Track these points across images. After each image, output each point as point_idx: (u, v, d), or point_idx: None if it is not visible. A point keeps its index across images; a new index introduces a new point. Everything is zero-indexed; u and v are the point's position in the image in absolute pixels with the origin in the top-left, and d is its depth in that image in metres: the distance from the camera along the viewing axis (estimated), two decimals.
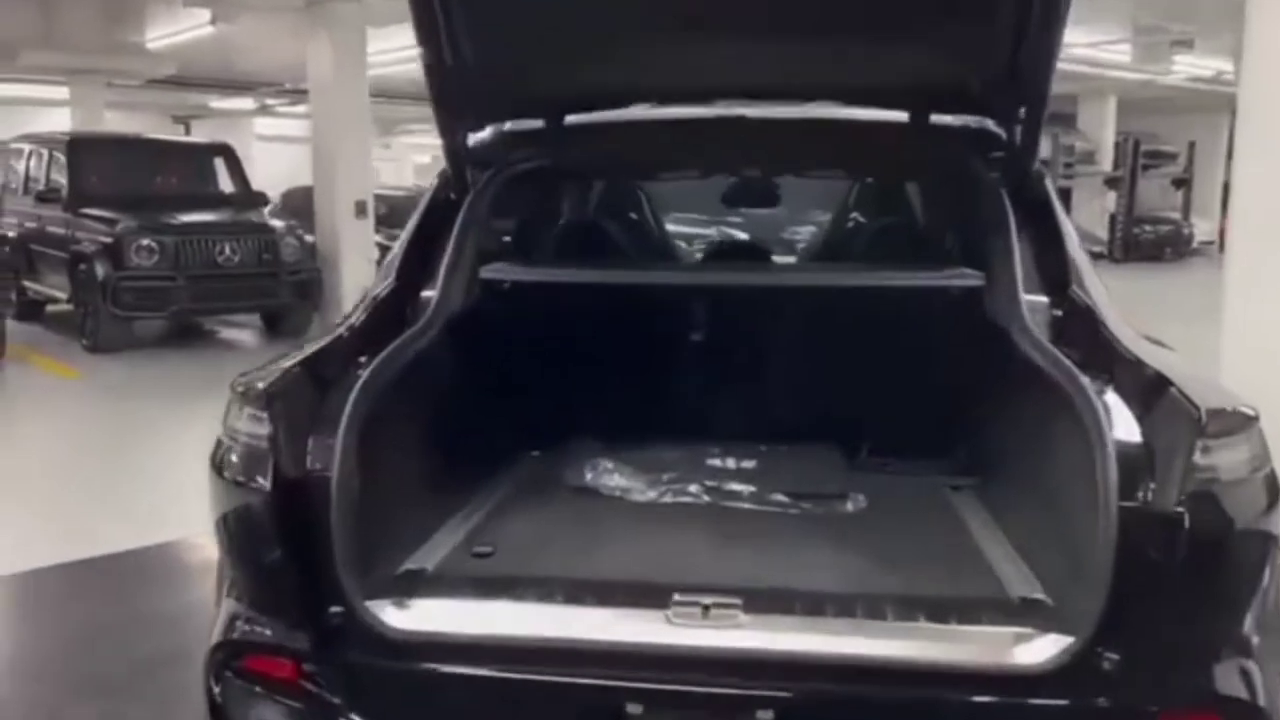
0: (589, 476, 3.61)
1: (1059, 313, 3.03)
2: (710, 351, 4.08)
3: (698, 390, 4.16)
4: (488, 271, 3.23)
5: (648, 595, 2.63)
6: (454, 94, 3.37)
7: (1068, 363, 2.72)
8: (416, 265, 3.24)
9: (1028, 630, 2.43)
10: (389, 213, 13.67)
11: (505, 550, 3.04)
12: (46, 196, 11.76)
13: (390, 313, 3.08)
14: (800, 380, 4.11)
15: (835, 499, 3.49)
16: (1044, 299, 3.09)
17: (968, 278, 3.30)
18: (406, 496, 2.99)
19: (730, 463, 3.84)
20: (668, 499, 3.52)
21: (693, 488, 3.54)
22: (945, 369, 3.82)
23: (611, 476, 3.60)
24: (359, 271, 11.77)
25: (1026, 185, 3.40)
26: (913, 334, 3.87)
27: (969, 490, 3.69)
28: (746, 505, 3.47)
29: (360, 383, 2.69)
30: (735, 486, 3.54)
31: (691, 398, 4.16)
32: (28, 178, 12.52)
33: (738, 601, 2.51)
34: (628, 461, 3.71)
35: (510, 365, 3.88)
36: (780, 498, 3.48)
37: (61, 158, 11.96)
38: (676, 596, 2.58)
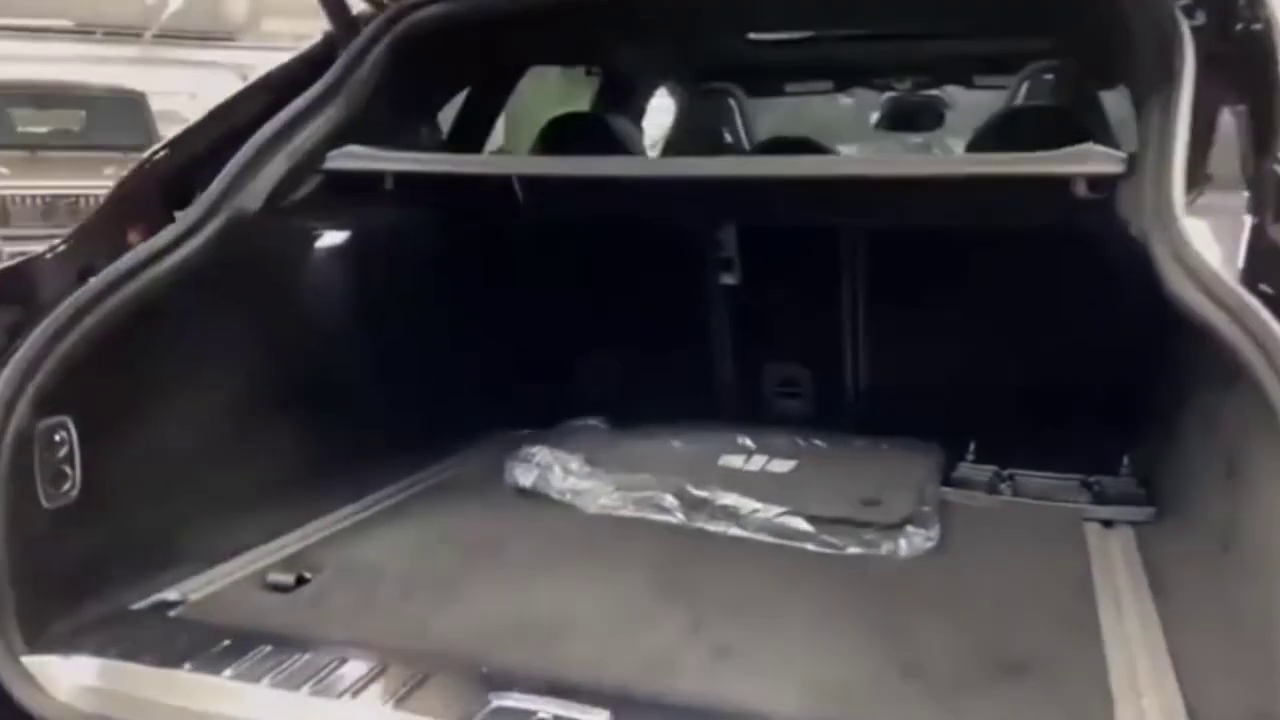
0: (535, 474, 2.52)
1: (1254, 223, 1.59)
2: (745, 296, 2.86)
3: (728, 355, 2.96)
4: (337, 158, 2.17)
5: (449, 691, 1.55)
6: None
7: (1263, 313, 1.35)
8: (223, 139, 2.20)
9: None
10: None
11: (330, 580, 2.02)
12: None
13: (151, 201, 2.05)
14: (878, 341, 2.81)
15: (882, 532, 2.20)
16: (1232, 199, 1.65)
17: (1097, 159, 1.85)
18: (186, 486, 2.02)
19: (755, 462, 2.62)
20: (627, 512, 2.37)
21: (667, 499, 2.36)
22: (1096, 323, 2.42)
23: (563, 475, 2.48)
24: None
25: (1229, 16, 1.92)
26: (1032, 265, 2.48)
27: (1124, 530, 2.29)
28: (735, 532, 2.26)
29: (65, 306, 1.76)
30: (732, 500, 2.32)
31: (718, 366, 2.96)
32: None
33: None
34: (614, 452, 2.59)
35: (463, 303, 2.84)
36: (796, 523, 2.24)
37: None
38: (494, 701, 1.50)
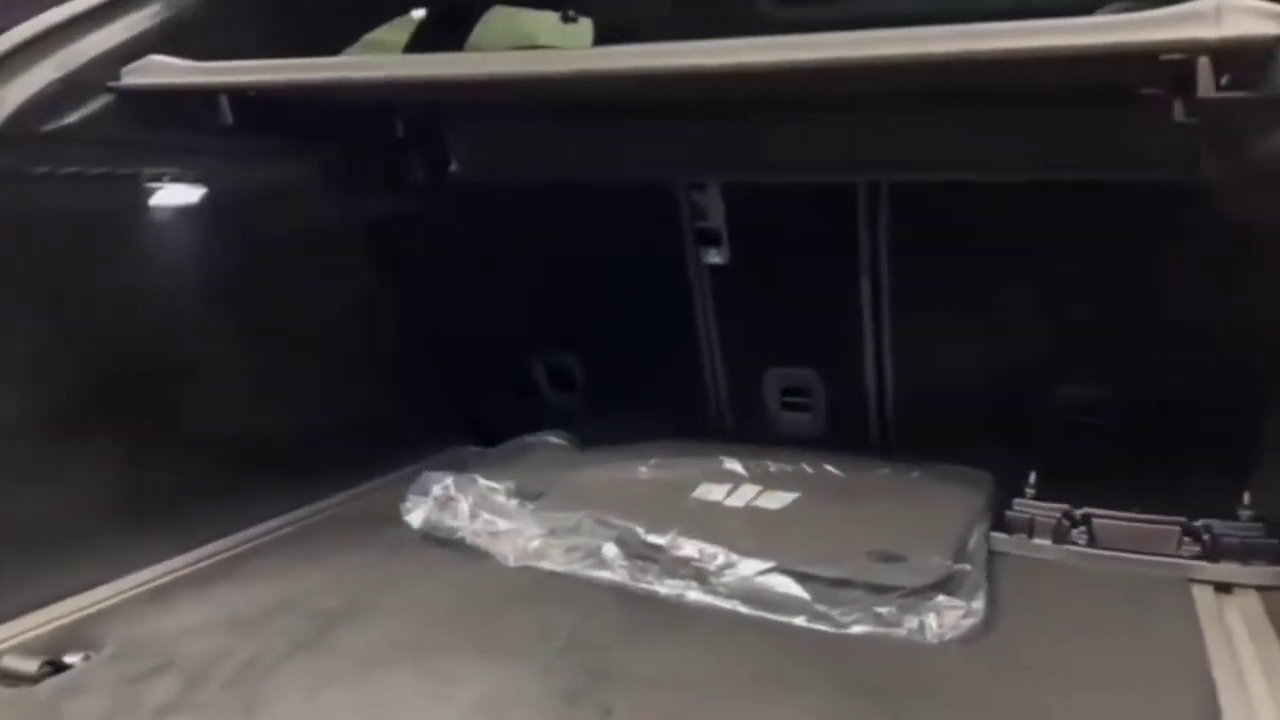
0: (431, 510, 1.89)
1: None
2: (737, 279, 2.21)
3: (718, 356, 2.31)
4: (135, 72, 1.55)
5: None
6: None
7: None
8: None
9: None
10: None
11: (96, 668, 1.42)
12: None
13: None
14: (909, 338, 2.15)
15: (904, 603, 1.54)
16: None
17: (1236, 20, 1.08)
18: None
19: (741, 495, 1.98)
20: (555, 564, 1.74)
21: (607, 549, 1.72)
22: (1204, 311, 1.76)
23: (471, 514, 1.86)
24: None
25: None
26: (1114, 232, 1.82)
27: (1248, 597, 1.62)
28: (696, 597, 1.61)
29: None
30: (696, 550, 1.67)
31: (706, 370, 2.32)
32: None
33: None
34: (557, 480, 1.98)
35: (369, 285, 2.24)
36: (782, 586, 1.59)
37: None
38: None
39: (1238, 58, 1.09)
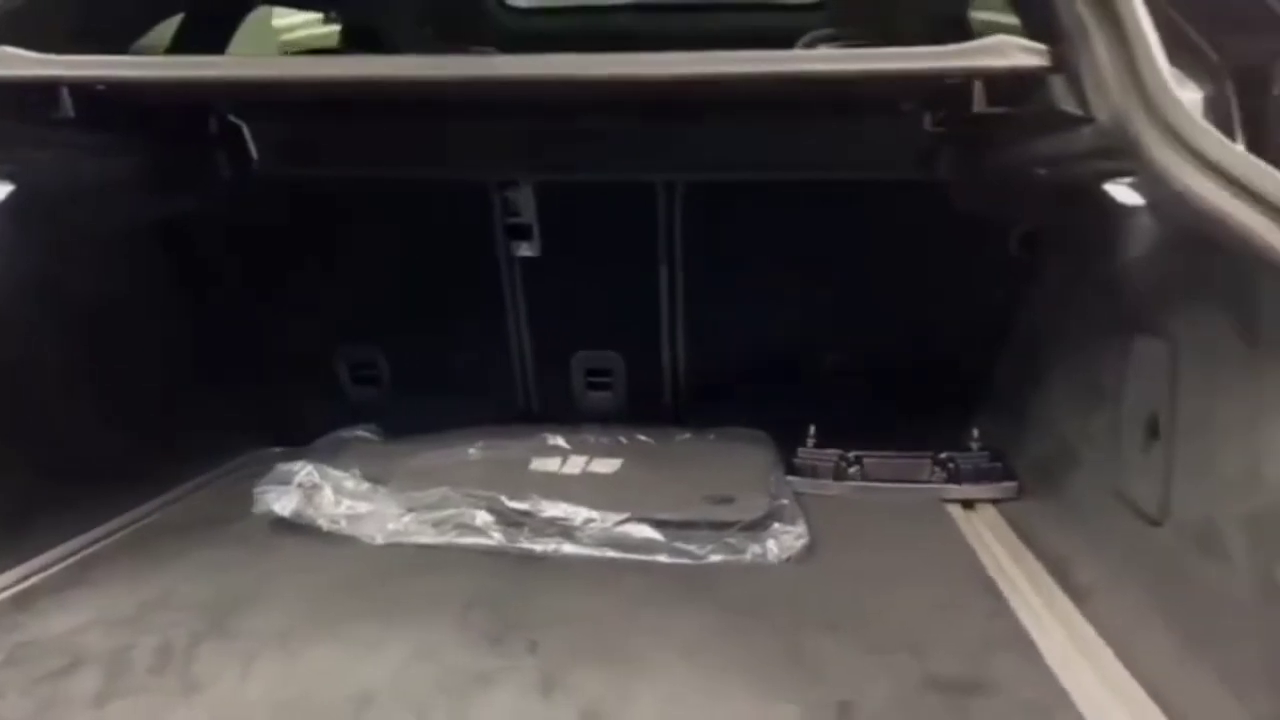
0: (296, 498, 1.93)
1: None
2: (547, 271, 2.41)
3: (528, 344, 2.50)
4: None
5: None
6: None
7: None
8: None
9: None
10: None
11: None
12: None
13: None
14: (700, 319, 2.45)
15: (745, 533, 1.83)
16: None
17: (1016, 52, 1.44)
18: None
19: (573, 465, 2.18)
20: (425, 538, 1.85)
21: (479, 516, 1.87)
22: (935, 284, 2.20)
23: (334, 498, 1.92)
24: None
25: None
26: (866, 222, 2.23)
27: (988, 510, 2.06)
28: (570, 550, 1.81)
29: None
30: (560, 511, 1.86)
31: (515, 358, 2.50)
32: None
33: None
34: (397, 466, 2.06)
35: (179, 286, 2.21)
36: (642, 531, 1.83)
37: None
38: None
39: (1009, 82, 1.47)
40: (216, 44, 2.53)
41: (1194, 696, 1.27)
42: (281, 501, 1.88)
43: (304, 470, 1.92)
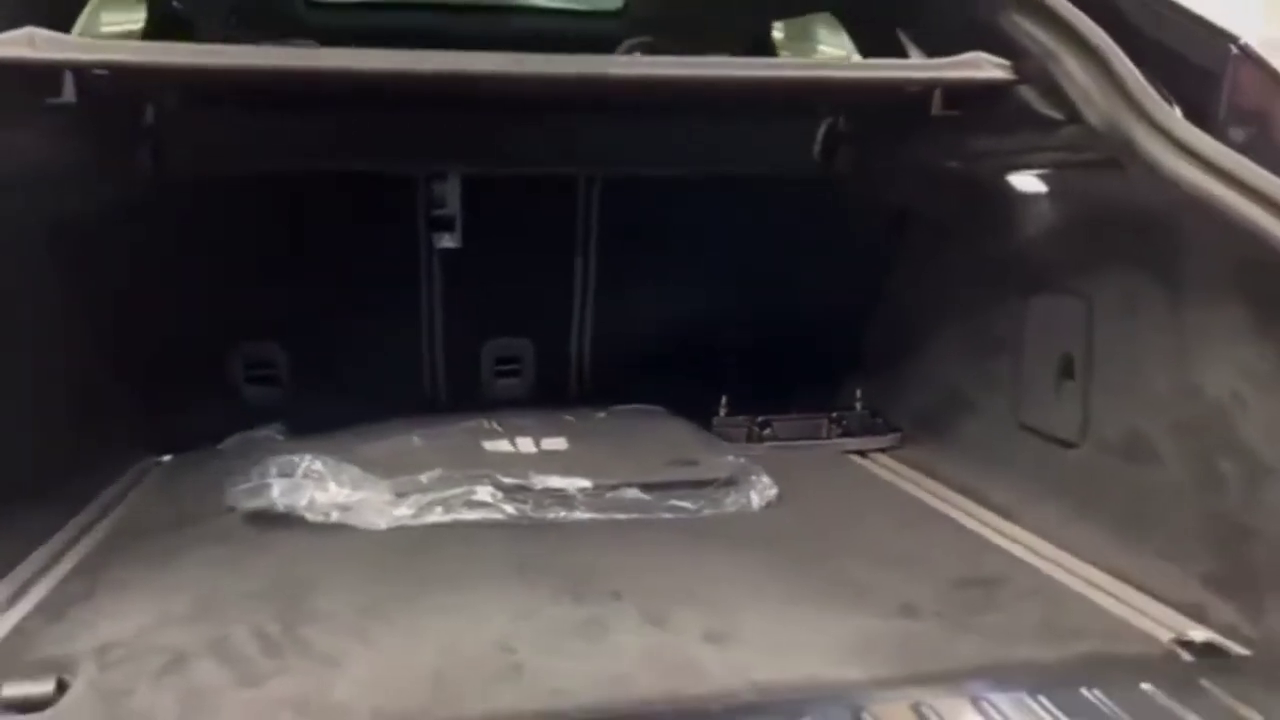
0: (276, 490, 1.89)
1: None
2: (466, 261, 2.47)
3: (439, 335, 2.55)
4: None
5: None
6: None
7: None
8: None
9: None
10: None
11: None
12: None
13: None
14: (608, 305, 2.62)
15: (724, 489, 2.04)
16: None
17: (988, 66, 1.74)
18: None
19: (524, 445, 2.27)
20: (435, 518, 1.89)
21: (483, 491, 1.93)
22: (818, 265, 2.50)
23: (321, 483, 1.90)
24: None
25: None
26: (762, 212, 2.50)
27: (881, 457, 2.43)
28: (581, 515, 1.93)
29: None
30: (555, 482, 1.98)
31: (426, 349, 2.54)
32: None
33: None
34: (352, 457, 2.04)
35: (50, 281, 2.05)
36: (636, 495, 1.98)
37: None
38: None
39: (975, 91, 1.79)
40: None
41: (1142, 567, 1.64)
42: (285, 494, 1.84)
43: (303, 463, 1.88)
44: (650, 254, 2.56)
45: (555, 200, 2.47)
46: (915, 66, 1.83)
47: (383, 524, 1.88)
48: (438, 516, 1.89)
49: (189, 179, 2.19)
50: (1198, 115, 1.49)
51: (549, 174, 2.43)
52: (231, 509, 1.90)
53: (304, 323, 2.46)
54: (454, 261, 2.46)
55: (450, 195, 2.39)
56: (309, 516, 1.88)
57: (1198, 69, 1.50)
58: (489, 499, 1.91)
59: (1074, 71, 1.58)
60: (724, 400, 2.55)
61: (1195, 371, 1.58)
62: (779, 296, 2.61)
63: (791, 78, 1.84)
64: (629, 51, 4.08)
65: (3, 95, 1.51)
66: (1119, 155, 1.51)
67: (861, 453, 2.50)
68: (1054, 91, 1.62)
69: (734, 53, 3.78)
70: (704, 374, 2.61)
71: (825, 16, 2.73)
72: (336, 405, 2.44)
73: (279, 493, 1.87)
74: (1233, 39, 1.46)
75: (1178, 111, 1.47)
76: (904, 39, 2.50)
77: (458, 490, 1.92)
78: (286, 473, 1.87)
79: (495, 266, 2.48)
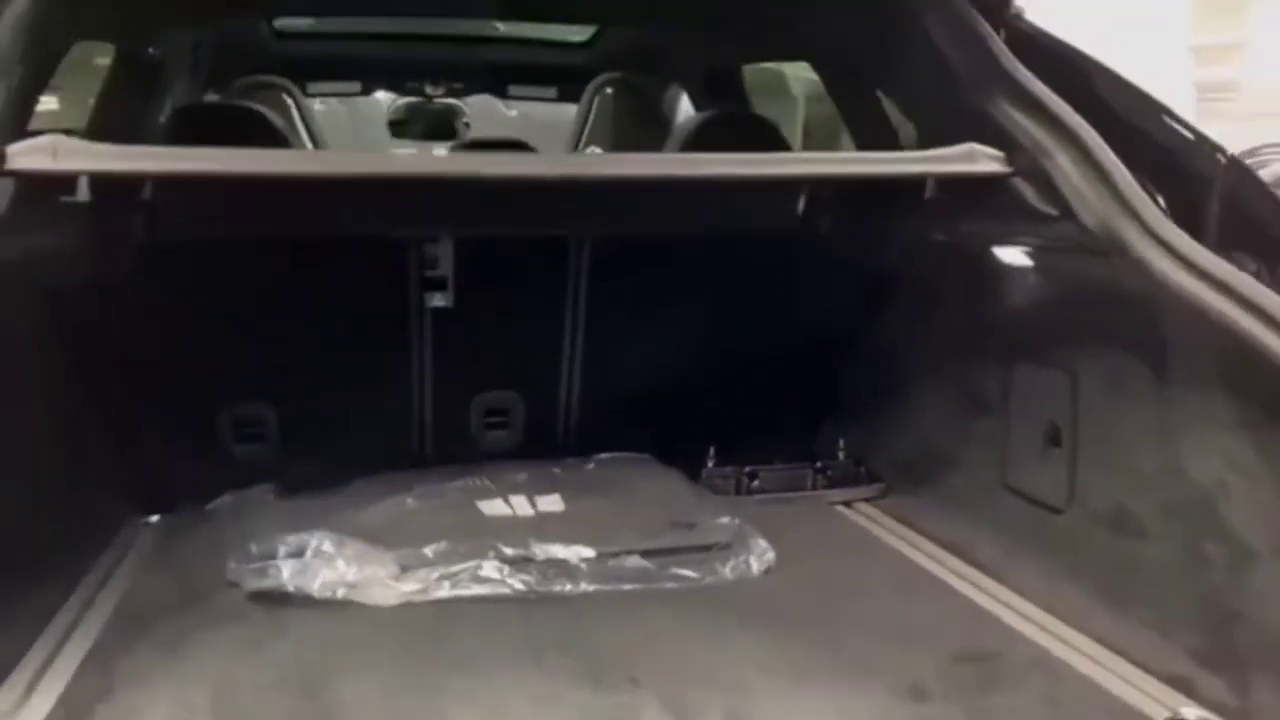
0: (286, 572, 1.89)
1: None
2: (458, 320, 2.48)
3: (429, 390, 2.56)
4: None
5: None
6: None
7: None
8: None
9: None
10: None
11: None
12: None
13: None
14: (596, 358, 2.65)
15: (722, 553, 2.09)
16: None
17: (985, 159, 1.83)
18: None
19: (520, 505, 2.30)
20: (444, 593, 1.91)
21: (489, 566, 1.95)
22: (804, 319, 2.57)
23: (330, 563, 1.91)
24: None
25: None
26: (746, 270, 2.54)
27: (865, 508, 2.49)
28: (586, 587, 1.96)
29: None
30: (558, 552, 2.01)
31: (416, 404, 2.55)
32: None
33: None
34: (349, 526, 2.05)
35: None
36: (637, 564, 2.02)
37: None
38: None
39: (969, 181, 1.86)
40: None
41: (1130, 636, 1.72)
42: (294, 574, 1.84)
43: (310, 540, 1.89)
44: (637, 308, 2.59)
45: (545, 258, 2.49)
46: (910, 160, 1.89)
47: (391, 601, 1.89)
48: (445, 592, 1.91)
49: (181, 244, 2.18)
50: (1184, 217, 1.57)
51: (540, 235, 2.45)
52: (235, 585, 1.90)
53: (293, 382, 2.45)
54: (445, 319, 2.47)
55: (443, 257, 2.40)
56: (317, 594, 1.89)
57: (1186, 172, 1.58)
58: (495, 574, 1.93)
59: (1068, 169, 1.65)
60: (711, 451, 2.60)
61: (1181, 455, 1.66)
62: (763, 348, 2.65)
63: (782, 175, 1.88)
64: (601, 87, 4.12)
65: (24, 199, 1.50)
66: (1110, 252, 1.59)
67: (847, 503, 2.56)
68: (1048, 188, 1.69)
69: (699, 87, 3.85)
70: (690, 424, 2.65)
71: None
72: (325, 462, 2.44)
73: (289, 575, 1.88)
74: (1220, 149, 1.54)
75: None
76: (882, 97, 2.58)
77: (463, 565, 1.94)
78: (296, 553, 1.87)
79: (485, 323, 2.50)
